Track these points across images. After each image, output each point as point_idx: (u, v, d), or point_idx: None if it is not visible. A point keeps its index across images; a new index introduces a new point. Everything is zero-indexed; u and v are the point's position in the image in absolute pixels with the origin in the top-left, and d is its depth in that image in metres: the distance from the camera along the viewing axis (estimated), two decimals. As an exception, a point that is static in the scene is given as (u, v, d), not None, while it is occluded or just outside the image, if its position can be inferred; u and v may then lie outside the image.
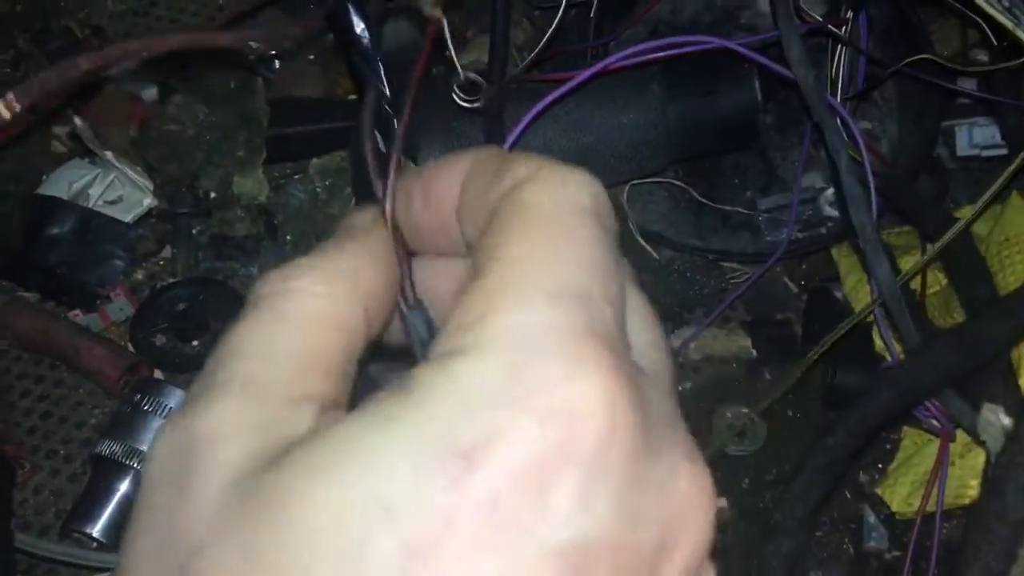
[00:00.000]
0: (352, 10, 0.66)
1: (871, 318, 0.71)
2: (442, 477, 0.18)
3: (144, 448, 0.64)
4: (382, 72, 0.68)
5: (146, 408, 0.65)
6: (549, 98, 0.62)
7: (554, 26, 0.64)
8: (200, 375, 0.24)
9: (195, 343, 0.74)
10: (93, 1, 0.91)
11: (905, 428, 0.69)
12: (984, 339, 0.58)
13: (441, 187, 0.28)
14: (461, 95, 0.63)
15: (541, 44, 0.69)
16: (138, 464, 0.64)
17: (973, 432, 0.61)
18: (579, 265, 0.22)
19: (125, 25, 0.91)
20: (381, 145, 0.72)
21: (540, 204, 0.23)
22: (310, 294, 0.25)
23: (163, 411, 0.65)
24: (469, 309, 0.21)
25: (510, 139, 0.64)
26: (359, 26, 0.67)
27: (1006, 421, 0.57)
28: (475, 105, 0.63)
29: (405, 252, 0.30)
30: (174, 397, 0.66)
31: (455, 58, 0.61)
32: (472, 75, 0.63)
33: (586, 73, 0.64)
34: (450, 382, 0.19)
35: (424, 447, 0.18)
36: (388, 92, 0.67)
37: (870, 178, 0.65)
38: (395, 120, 0.68)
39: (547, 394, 0.19)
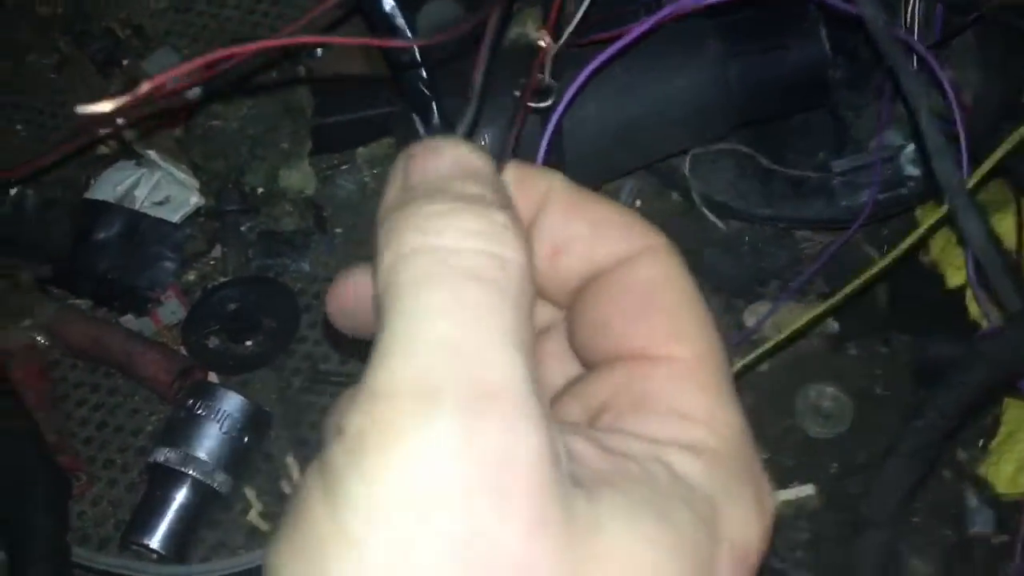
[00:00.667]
0: (381, -15, 0.63)
1: (964, 280, 0.66)
2: (727, 564, 0.22)
3: (201, 455, 0.62)
4: (417, 53, 0.64)
5: (200, 412, 0.63)
6: (593, 64, 0.57)
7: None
8: (439, 352, 0.19)
9: (248, 343, 0.72)
10: (133, 0, 0.90)
11: (1007, 400, 0.63)
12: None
13: (528, 196, 0.26)
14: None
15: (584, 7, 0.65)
16: (194, 471, 0.62)
17: (1085, 403, 0.56)
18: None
19: (166, 23, 0.89)
20: (420, 127, 0.68)
21: (689, 288, 0.25)
22: (527, 280, 0.22)
23: (217, 415, 0.63)
24: (689, 398, 0.23)
25: (555, 116, 0.60)
26: (388, 3, 0.64)
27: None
28: (546, 105, 0.60)
29: None
30: (228, 400, 0.64)
31: (547, 71, 0.57)
32: (549, 80, 0.59)
33: (635, 31, 0.59)
34: (717, 482, 0.22)
35: (718, 543, 0.22)
36: (425, 74, 0.64)
37: (959, 125, 0.59)
38: (435, 104, 0.65)
39: (764, 504, 0.23)
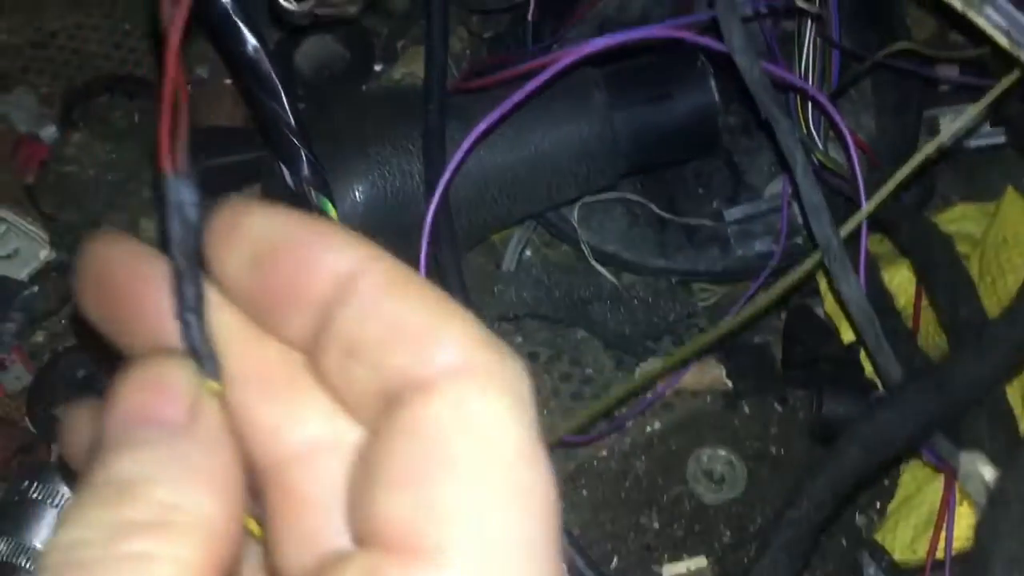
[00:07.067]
0: (242, 26, 0.58)
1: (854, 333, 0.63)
2: None
3: (36, 545, 0.56)
4: (283, 95, 0.60)
5: (35, 496, 0.57)
6: (482, 125, 0.53)
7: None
8: None
9: (101, 412, 0.66)
10: (-17, 36, 0.83)
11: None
12: (966, 380, 0.49)
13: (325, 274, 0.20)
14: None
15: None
16: (27, 563, 0.56)
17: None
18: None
19: (22, 60, 0.82)
20: (288, 180, 0.63)
21: (503, 440, 0.18)
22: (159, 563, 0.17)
23: (56, 499, 0.57)
24: None
25: (443, 180, 0.56)
26: (250, 43, 0.59)
27: (988, 474, 0.48)
28: None
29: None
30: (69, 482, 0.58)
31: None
32: None
33: (526, 88, 0.56)
34: None
35: None
36: (291, 118, 0.59)
37: (858, 173, 0.57)
38: (303, 151, 0.60)
39: None
